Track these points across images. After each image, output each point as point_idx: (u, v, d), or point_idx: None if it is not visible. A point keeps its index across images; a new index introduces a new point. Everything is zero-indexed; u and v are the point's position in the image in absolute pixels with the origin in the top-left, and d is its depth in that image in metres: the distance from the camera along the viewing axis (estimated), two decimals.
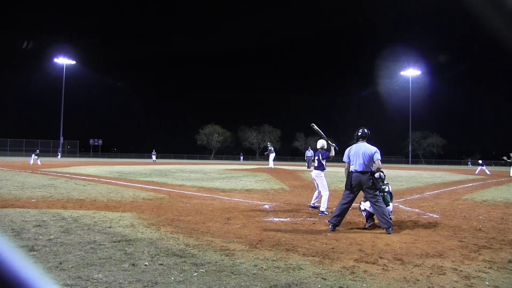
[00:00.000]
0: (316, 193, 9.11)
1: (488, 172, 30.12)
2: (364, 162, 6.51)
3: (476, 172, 30.89)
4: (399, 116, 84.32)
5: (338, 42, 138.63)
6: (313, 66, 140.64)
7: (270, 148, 27.45)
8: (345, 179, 6.88)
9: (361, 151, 6.59)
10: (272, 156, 26.92)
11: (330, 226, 6.51)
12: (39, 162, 30.01)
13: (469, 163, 62.44)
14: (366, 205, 6.86)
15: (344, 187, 6.92)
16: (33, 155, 31.25)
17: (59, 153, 61.35)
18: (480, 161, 32.20)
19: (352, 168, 6.62)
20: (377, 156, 6.55)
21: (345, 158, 6.79)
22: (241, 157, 78.12)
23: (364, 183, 6.46)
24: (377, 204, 6.41)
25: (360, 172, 6.51)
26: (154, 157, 49.78)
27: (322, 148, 9.17)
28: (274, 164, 27.35)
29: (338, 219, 6.53)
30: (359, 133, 6.90)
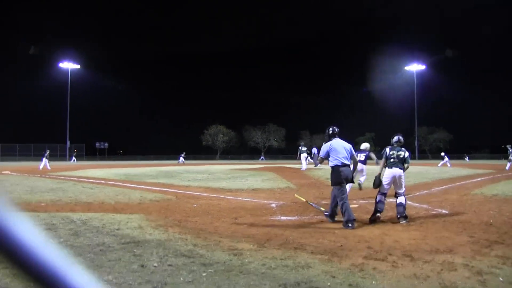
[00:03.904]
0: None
1: (448, 165, 31.51)
2: (349, 156, 7.10)
3: (439, 165, 32.11)
4: (405, 112, 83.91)
5: (342, 39, 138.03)
6: (317, 65, 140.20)
7: (301, 148, 25.47)
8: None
9: (343, 146, 7.10)
10: (304, 156, 24.83)
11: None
12: (48, 166, 29.31)
13: (466, 158, 62.01)
14: (401, 200, 7.18)
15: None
16: (43, 158, 29.70)
17: (73, 157, 61.41)
18: (442, 154, 33.52)
19: (339, 162, 6.93)
20: (353, 150, 7.34)
21: (324, 154, 7.16)
22: (262, 157, 78.19)
23: (349, 175, 6.99)
24: (344, 197, 6.79)
25: (347, 165, 7.00)
26: (182, 159, 49.89)
27: (365, 149, 11.38)
28: (306, 164, 24.69)
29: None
30: (337, 131, 7.30)
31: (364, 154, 11.41)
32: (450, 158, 34.37)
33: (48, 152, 30.94)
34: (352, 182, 7.29)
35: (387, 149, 7.59)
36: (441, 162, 33.03)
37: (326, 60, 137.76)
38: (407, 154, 7.57)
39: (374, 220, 7.06)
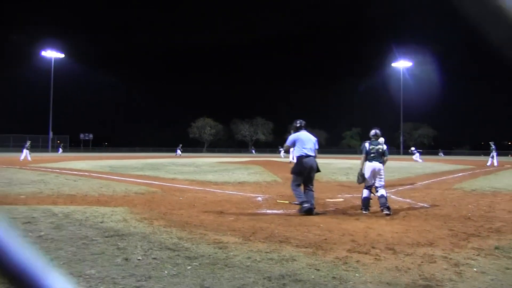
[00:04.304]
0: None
1: (420, 160, 32.88)
2: (313, 148, 7.52)
3: (420, 161, 33.24)
4: (391, 108, 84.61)
5: (329, 35, 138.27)
6: (305, 59, 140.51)
7: None
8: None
9: (310, 139, 7.60)
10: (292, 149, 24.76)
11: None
12: (29, 158, 28.92)
13: (441, 153, 63.09)
14: (382, 192, 7.44)
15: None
16: (24, 149, 29.43)
17: (60, 148, 60.57)
18: (412, 148, 34.46)
19: (303, 153, 7.38)
20: (317, 144, 7.73)
21: (290, 142, 7.73)
22: (253, 150, 78.63)
23: (314, 165, 7.40)
24: (296, 185, 7.39)
25: (312, 156, 7.43)
26: (179, 151, 49.73)
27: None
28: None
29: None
30: (304, 124, 7.83)
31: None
32: (444, 154, 35.33)
33: (29, 143, 30.44)
34: (319, 171, 7.67)
35: (367, 144, 7.83)
36: (417, 157, 33.77)
37: (313, 55, 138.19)
38: (385, 147, 7.85)
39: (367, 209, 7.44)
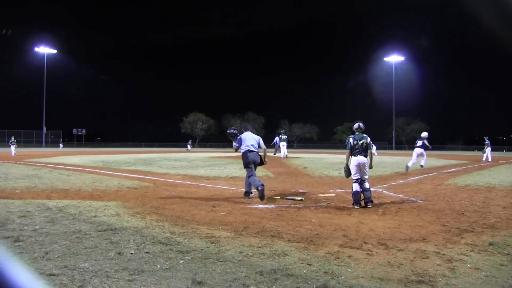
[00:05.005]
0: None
1: (375, 154, 32.30)
2: (256, 145, 8.75)
3: (375, 154, 32.79)
4: (383, 103, 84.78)
5: (321, 30, 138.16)
6: (297, 54, 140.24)
7: (281, 136, 26.55)
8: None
9: (252, 137, 8.87)
10: (283, 144, 26.15)
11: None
12: (13, 153, 29.06)
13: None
14: (367, 185, 7.72)
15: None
16: (11, 145, 30.09)
17: (61, 144, 60.36)
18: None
19: (247, 149, 8.63)
20: (261, 141, 8.97)
21: (237, 142, 8.84)
22: None
23: (257, 159, 8.65)
24: (251, 173, 8.50)
25: (255, 151, 8.68)
26: (189, 146, 49.83)
27: (424, 137, 16.63)
28: (285, 153, 26.29)
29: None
30: (248, 127, 9.34)
31: (421, 141, 16.01)
32: (437, 149, 35.24)
33: (13, 138, 31.00)
34: (261, 164, 8.83)
35: (350, 139, 7.96)
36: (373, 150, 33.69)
37: (305, 50, 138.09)
38: (369, 139, 7.94)
39: (359, 204, 7.55)
